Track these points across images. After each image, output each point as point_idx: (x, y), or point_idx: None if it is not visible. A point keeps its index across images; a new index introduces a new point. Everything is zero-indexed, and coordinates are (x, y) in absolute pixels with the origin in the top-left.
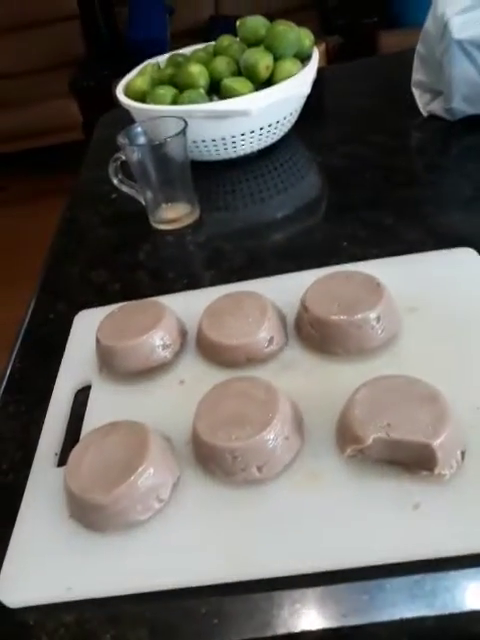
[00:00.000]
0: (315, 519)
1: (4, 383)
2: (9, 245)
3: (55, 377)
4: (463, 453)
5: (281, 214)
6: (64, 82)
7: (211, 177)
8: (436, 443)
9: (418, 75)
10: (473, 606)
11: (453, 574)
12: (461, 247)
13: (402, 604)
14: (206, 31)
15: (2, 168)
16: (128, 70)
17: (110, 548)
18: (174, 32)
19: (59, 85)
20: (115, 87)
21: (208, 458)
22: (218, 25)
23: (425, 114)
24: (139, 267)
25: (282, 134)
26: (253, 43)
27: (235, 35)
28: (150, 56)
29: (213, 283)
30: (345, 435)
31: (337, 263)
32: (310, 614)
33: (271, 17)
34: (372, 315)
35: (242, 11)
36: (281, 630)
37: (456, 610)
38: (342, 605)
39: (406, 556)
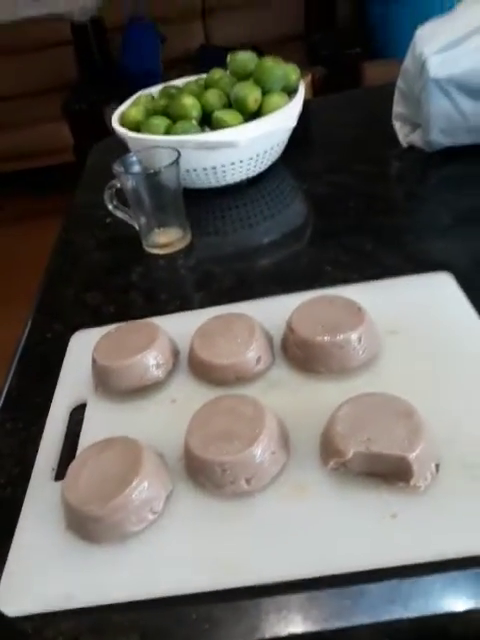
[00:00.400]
0: (300, 529)
1: (1, 401)
2: (3, 264)
3: (51, 395)
4: (437, 466)
5: (268, 239)
6: (56, 105)
7: (202, 204)
8: (412, 456)
9: (398, 108)
10: (447, 608)
11: (428, 579)
12: (438, 272)
13: (381, 607)
14: (196, 60)
15: None
16: (120, 95)
17: (106, 558)
18: (165, 59)
19: (52, 108)
20: (106, 111)
21: (199, 472)
22: (208, 54)
23: (405, 145)
24: (132, 289)
25: (270, 163)
26: (242, 77)
27: (224, 66)
28: (143, 83)
29: (203, 305)
30: (328, 449)
31: (321, 286)
32: (295, 619)
33: (259, 47)
34: (354, 336)
35: (231, 41)
36: (268, 634)
37: (431, 612)
38: (325, 610)
39: (385, 562)
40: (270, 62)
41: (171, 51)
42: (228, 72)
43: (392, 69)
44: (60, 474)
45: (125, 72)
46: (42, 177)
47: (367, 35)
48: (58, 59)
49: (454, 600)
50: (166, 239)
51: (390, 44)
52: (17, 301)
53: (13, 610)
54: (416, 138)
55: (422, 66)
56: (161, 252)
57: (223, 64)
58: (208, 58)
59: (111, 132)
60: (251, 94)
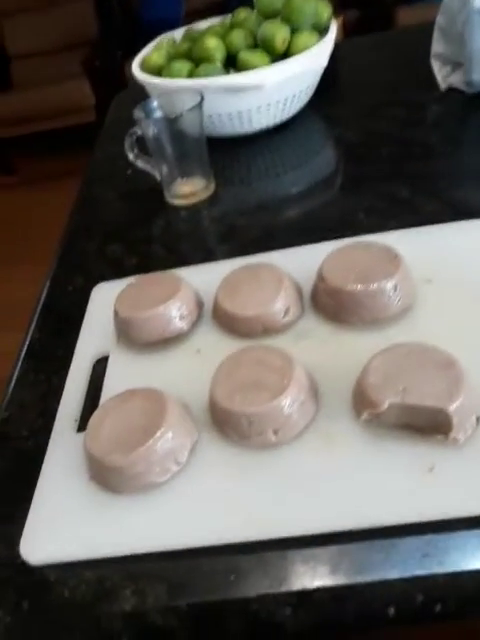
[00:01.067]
0: (330, 481)
1: (23, 352)
2: (21, 225)
3: (73, 347)
4: (478, 418)
5: (297, 189)
6: (77, 62)
7: (226, 152)
8: (451, 408)
9: (438, 47)
10: None
11: (465, 534)
12: (477, 219)
13: (414, 562)
14: (221, 10)
15: (13, 151)
16: (141, 49)
17: (129, 509)
18: (188, 11)
19: (72, 65)
20: (128, 67)
21: (225, 423)
22: (233, 3)
23: (444, 87)
24: (155, 241)
25: (298, 108)
26: (270, 15)
27: (251, 7)
28: None
29: (228, 257)
30: (361, 400)
31: (353, 235)
32: (324, 571)
33: None
34: (388, 285)
35: None
36: (296, 586)
37: (466, 568)
38: (356, 563)
39: (420, 517)
40: None
41: (194, 1)
42: (254, 11)
43: (427, 13)
44: (83, 425)
45: (146, 25)
46: (61, 139)
47: None
48: (77, 14)
49: None
50: (189, 189)
51: None
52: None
53: (37, 559)
54: (456, 79)
55: None
56: (184, 203)
57: (250, 7)
58: (233, 6)
59: (132, 85)
60: (279, 33)
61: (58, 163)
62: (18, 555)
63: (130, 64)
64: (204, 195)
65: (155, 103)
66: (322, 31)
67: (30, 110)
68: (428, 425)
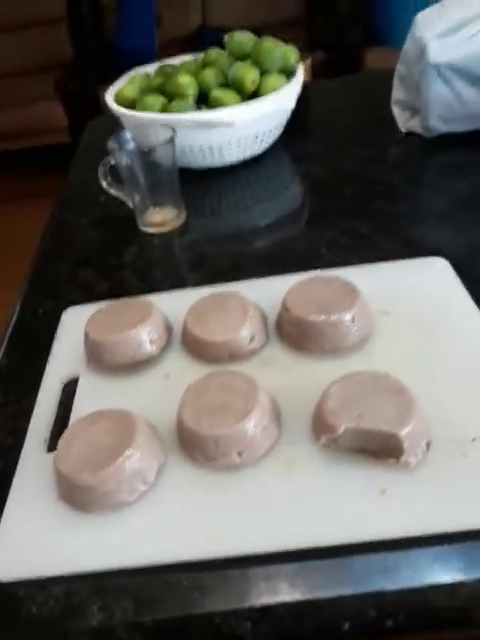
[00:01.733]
0: (290, 502)
1: None
2: None
3: (42, 371)
4: (428, 443)
5: (265, 221)
6: (50, 85)
7: (198, 184)
8: (403, 433)
9: (398, 93)
10: (431, 581)
11: (415, 552)
12: (434, 256)
13: (368, 579)
14: (193, 41)
15: None
16: (114, 75)
17: (97, 526)
18: (162, 41)
19: (45, 87)
20: (101, 91)
21: (192, 444)
22: (206, 36)
23: (404, 131)
24: (126, 268)
25: (267, 145)
26: (240, 57)
27: (222, 47)
28: (137, 64)
29: (198, 285)
30: (320, 425)
31: (316, 268)
32: (284, 588)
33: (258, 30)
34: (347, 316)
35: (229, 22)
36: (257, 602)
37: (416, 584)
38: (313, 580)
39: (373, 536)
40: (269, 42)
41: (168, 31)
42: (226, 52)
43: (393, 56)
44: (52, 446)
45: (120, 52)
46: (35, 158)
47: (368, 21)
48: (52, 37)
49: (440, 573)
50: (161, 218)
51: (392, 31)
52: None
53: (5, 575)
54: (415, 124)
55: (422, 51)
56: (156, 231)
57: (221, 46)
58: (206, 40)
59: (104, 112)
60: (249, 74)
61: (30, 184)
62: None
63: (104, 88)
64: (175, 224)
65: (129, 135)
66: (289, 74)
67: (2, 129)
68: (381, 449)
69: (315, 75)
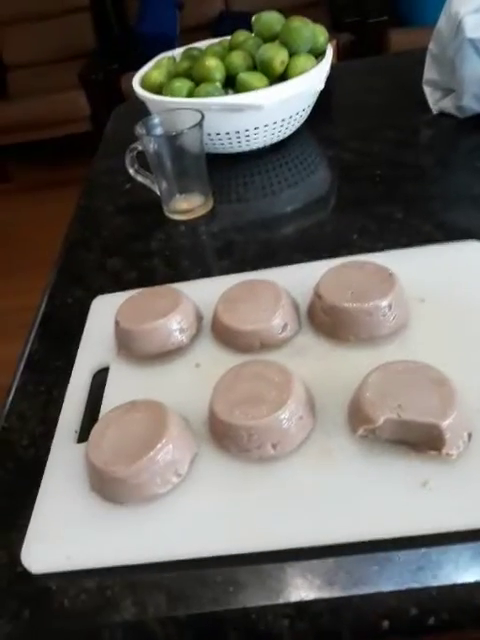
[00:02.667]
0: (327, 495)
1: (23, 363)
2: (16, 234)
3: (72, 358)
4: (470, 435)
5: (293, 207)
6: (73, 74)
7: (224, 170)
8: (444, 424)
9: (430, 73)
10: (475, 578)
11: (457, 548)
12: (468, 240)
13: (409, 575)
14: (216, 27)
15: (9, 158)
16: (137, 64)
17: (130, 519)
18: (184, 27)
19: (68, 77)
20: (124, 80)
21: (225, 436)
22: (228, 21)
23: (435, 111)
24: (153, 256)
25: (294, 129)
26: (268, 38)
27: (247, 30)
28: (159, 51)
29: (226, 273)
30: (357, 416)
31: (347, 254)
32: (321, 583)
33: (282, 13)
34: (383, 303)
35: (253, 7)
36: (293, 598)
37: (459, 581)
38: (352, 575)
39: (414, 530)
40: (297, 22)
41: (189, 18)
42: (253, 34)
43: (419, 37)
44: (83, 436)
45: (142, 40)
46: (57, 147)
47: (393, 1)
48: (75, 26)
49: None
50: (188, 205)
51: (417, 11)
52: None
53: (37, 567)
54: (447, 104)
55: (457, 26)
56: (182, 218)
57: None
58: (228, 25)
59: (126, 100)
60: (278, 56)
61: (53, 172)
62: (19, 563)
63: (126, 77)
64: (202, 211)
65: (156, 120)
66: (318, 55)
67: (26, 119)
68: (422, 441)
69: (340, 58)
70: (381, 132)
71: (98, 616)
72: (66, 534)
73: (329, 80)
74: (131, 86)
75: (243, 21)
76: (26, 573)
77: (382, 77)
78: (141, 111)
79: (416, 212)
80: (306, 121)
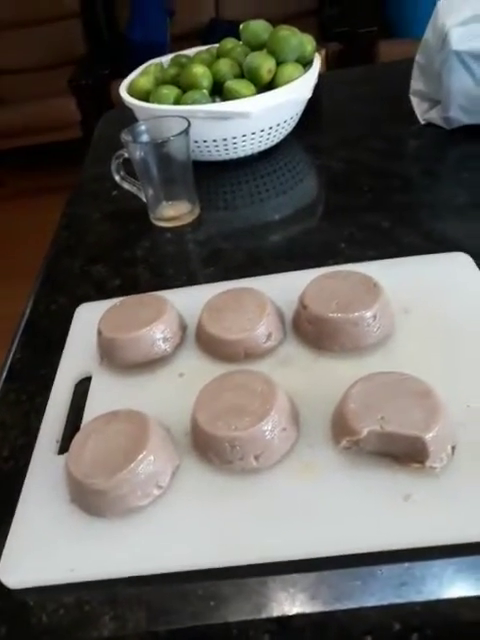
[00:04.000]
0: (309, 507)
1: (5, 372)
2: (5, 240)
3: (55, 367)
4: (453, 448)
5: (280, 215)
6: (63, 80)
7: (211, 177)
8: (428, 437)
9: (417, 84)
10: (459, 593)
11: (441, 562)
12: (455, 251)
13: (392, 590)
14: (206, 34)
15: (0, 164)
16: (127, 70)
17: (110, 532)
18: (174, 34)
19: (58, 83)
20: (114, 86)
21: (207, 447)
22: (218, 29)
23: (422, 122)
24: (139, 263)
25: (282, 137)
26: (255, 47)
27: (237, 38)
28: (149, 57)
29: (212, 281)
30: (341, 427)
31: (335, 264)
32: (303, 598)
33: (272, 22)
34: (368, 314)
35: (243, 15)
36: (276, 613)
37: (443, 596)
38: (334, 590)
39: (397, 544)
40: (285, 31)
41: (180, 25)
42: (241, 42)
43: (408, 48)
44: (64, 447)
45: (132, 46)
46: (47, 153)
47: (382, 12)
48: (65, 32)
49: (467, 585)
50: (174, 212)
51: (406, 22)
52: (19, 277)
53: (15, 582)
54: (434, 115)
55: (444, 38)
56: (169, 225)
57: (235, 39)
58: (218, 32)
59: (116, 107)
60: (265, 64)
61: (44, 178)
62: None
63: (116, 83)
64: (189, 219)
65: (143, 127)
66: (306, 64)
67: (16, 125)
68: (405, 453)
69: (328, 68)
70: (369, 141)
71: (77, 632)
72: (44, 548)
73: (317, 89)
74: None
75: (233, 29)
76: (3, 588)
77: (370, 87)
78: (130, 117)
79: (403, 222)
80: (294, 129)
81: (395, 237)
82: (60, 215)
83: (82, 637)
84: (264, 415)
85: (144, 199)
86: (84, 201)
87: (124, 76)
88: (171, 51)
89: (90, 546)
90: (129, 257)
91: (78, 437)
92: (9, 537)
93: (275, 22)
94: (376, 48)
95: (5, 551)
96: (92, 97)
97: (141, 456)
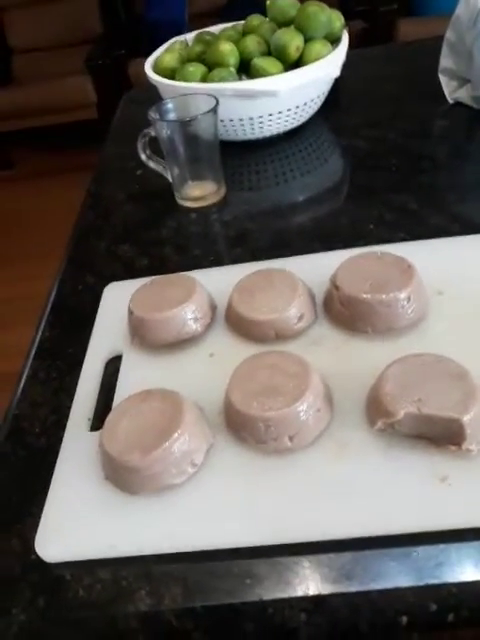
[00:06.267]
0: (344, 488)
1: (34, 350)
2: (19, 221)
3: (84, 346)
4: None
5: (306, 195)
6: (79, 59)
7: (236, 156)
8: (465, 419)
9: (446, 62)
10: None
11: (477, 544)
12: None
13: (427, 571)
14: (224, 12)
15: (12, 145)
16: (144, 49)
17: (145, 509)
18: (192, 13)
19: (74, 62)
20: (131, 66)
21: (241, 427)
22: (236, 7)
23: (451, 101)
24: (165, 243)
25: (309, 116)
26: (283, 23)
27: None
28: (167, 37)
29: (238, 261)
30: (376, 409)
31: (364, 245)
32: (339, 577)
33: None
34: (402, 295)
35: None
36: (311, 591)
37: (479, 578)
38: (370, 570)
39: (433, 526)
40: (314, 7)
41: (197, 3)
42: (267, 19)
43: (428, 27)
44: (96, 425)
45: (149, 25)
46: (60, 133)
47: None
48: (81, 11)
49: None
50: (200, 192)
51: (426, 1)
52: (35, 257)
53: (52, 556)
54: (463, 94)
55: (477, 15)
56: (194, 205)
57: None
58: (236, 10)
59: (134, 87)
60: (293, 41)
61: (57, 159)
62: (33, 552)
63: (133, 63)
64: (215, 199)
65: (170, 105)
66: (334, 41)
67: (30, 105)
68: (441, 435)
69: (352, 45)
70: (395, 121)
71: (113, 606)
72: (80, 524)
73: (342, 67)
74: (139, 72)
75: (252, 7)
76: (40, 562)
77: (395, 65)
78: (152, 97)
79: (431, 203)
80: (319, 109)
81: (423, 218)
82: (80, 194)
83: (119, 611)
84: (299, 396)
85: (170, 179)
86: (108, 181)
87: (141, 56)
88: (189, 30)
89: (125, 522)
90: (155, 237)
91: (112, 415)
92: (45, 512)
93: None
94: (396, 27)
95: (41, 526)
96: (108, 77)
97: (176, 434)
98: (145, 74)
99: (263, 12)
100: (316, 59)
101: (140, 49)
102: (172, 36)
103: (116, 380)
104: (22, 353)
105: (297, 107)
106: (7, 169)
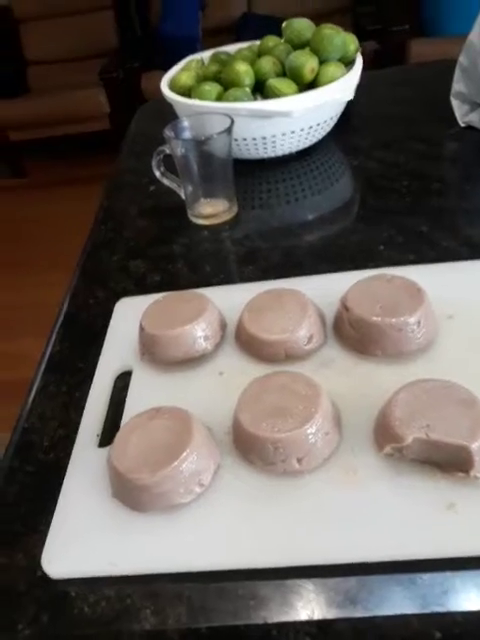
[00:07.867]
0: (350, 512)
1: (44, 363)
2: (29, 230)
3: (93, 360)
4: None
5: (317, 215)
6: (94, 72)
7: (248, 175)
8: (474, 446)
9: (458, 86)
10: None
11: None
12: None
13: (434, 598)
14: (239, 29)
15: (25, 154)
16: (159, 64)
17: (152, 527)
18: (206, 28)
19: (89, 74)
20: (145, 79)
21: (249, 448)
22: (251, 23)
23: (462, 124)
24: (177, 259)
25: (321, 137)
26: (298, 45)
27: (269, 33)
28: (181, 51)
29: (249, 280)
30: (384, 433)
31: (374, 267)
32: (344, 602)
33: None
34: (412, 319)
35: (275, 10)
36: (316, 616)
37: None
38: (375, 596)
39: (439, 553)
40: (329, 29)
41: (212, 19)
42: (283, 40)
43: (440, 48)
44: (104, 440)
45: (164, 39)
46: (73, 144)
47: (414, 10)
48: (97, 24)
49: None
50: (212, 210)
51: (438, 21)
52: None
53: (57, 572)
54: (475, 118)
55: None
56: (206, 223)
57: (265, 33)
58: (250, 26)
59: (147, 100)
60: (308, 63)
61: (69, 169)
62: (39, 567)
63: (147, 76)
64: (227, 217)
65: (185, 123)
66: (348, 63)
67: (44, 115)
68: (450, 462)
69: (365, 66)
70: (407, 143)
71: (118, 624)
72: (87, 541)
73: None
74: (152, 85)
75: (266, 23)
76: (46, 578)
77: (407, 87)
78: (164, 111)
79: (442, 226)
80: (331, 129)
81: (434, 241)
82: (91, 206)
83: (123, 629)
84: (308, 418)
85: (183, 196)
86: (121, 195)
87: (155, 69)
88: (203, 45)
89: (132, 541)
90: (167, 253)
91: (122, 432)
92: (51, 528)
93: (310, 18)
94: (408, 47)
95: (48, 541)
96: (122, 89)
97: (185, 453)
98: (158, 87)
99: (277, 28)
100: (330, 81)
101: (153, 63)
102: (186, 50)
103: (125, 395)
104: (28, 361)
105: (310, 127)
106: (20, 177)
